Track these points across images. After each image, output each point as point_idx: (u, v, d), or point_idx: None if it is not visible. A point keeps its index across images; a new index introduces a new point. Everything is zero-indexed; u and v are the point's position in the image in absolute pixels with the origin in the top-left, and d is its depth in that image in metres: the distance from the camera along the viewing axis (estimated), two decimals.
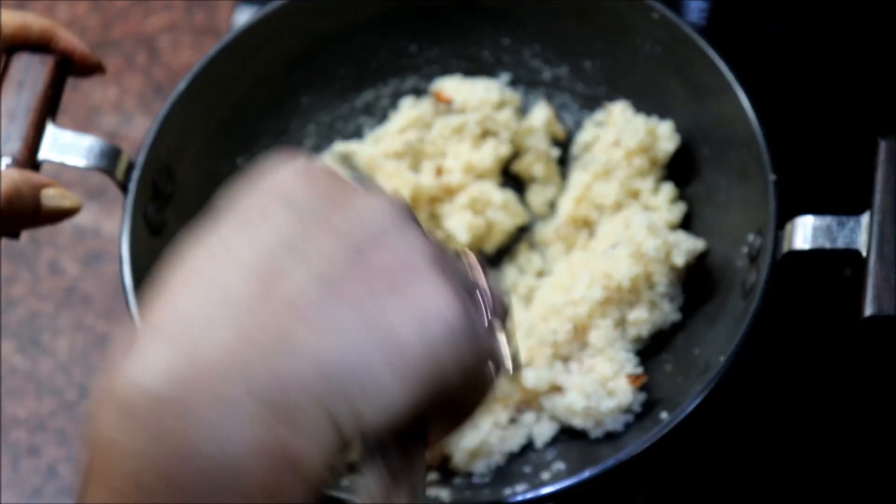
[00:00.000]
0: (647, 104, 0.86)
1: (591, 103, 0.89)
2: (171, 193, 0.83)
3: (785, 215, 0.73)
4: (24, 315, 0.99)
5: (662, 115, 0.85)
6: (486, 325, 0.52)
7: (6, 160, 0.75)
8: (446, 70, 0.90)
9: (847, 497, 0.86)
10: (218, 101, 0.85)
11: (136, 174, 0.79)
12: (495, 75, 0.90)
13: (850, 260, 0.71)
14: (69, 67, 0.79)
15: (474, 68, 0.90)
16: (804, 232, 0.72)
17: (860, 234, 0.70)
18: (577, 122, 0.90)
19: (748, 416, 0.88)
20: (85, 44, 0.80)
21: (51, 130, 0.77)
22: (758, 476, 0.87)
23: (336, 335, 0.48)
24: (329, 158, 0.88)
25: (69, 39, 0.79)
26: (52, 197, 0.75)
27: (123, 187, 0.79)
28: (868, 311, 0.68)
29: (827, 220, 0.71)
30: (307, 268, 0.49)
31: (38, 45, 0.78)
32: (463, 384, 0.50)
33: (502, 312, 0.54)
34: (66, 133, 0.77)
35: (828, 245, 0.71)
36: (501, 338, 0.53)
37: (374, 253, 0.50)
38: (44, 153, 0.77)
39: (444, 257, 0.51)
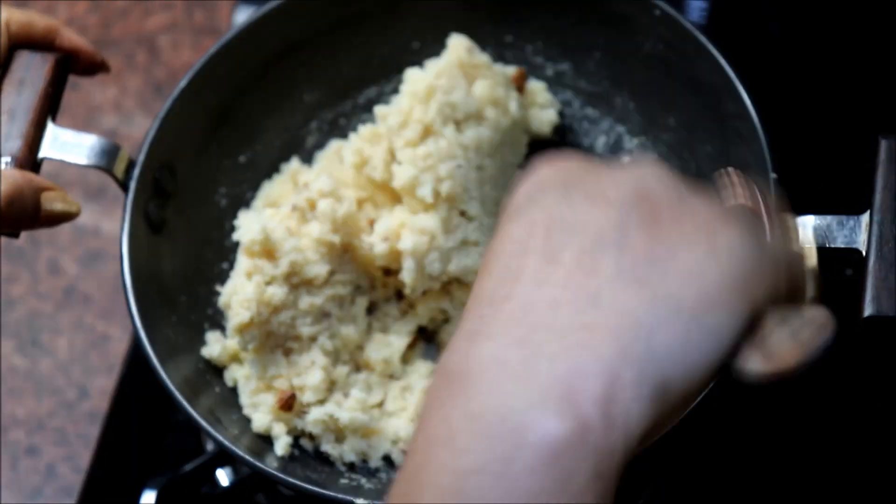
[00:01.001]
0: (648, 100, 0.86)
1: (594, 100, 0.89)
2: (172, 191, 0.83)
3: None
4: (24, 315, 0.99)
5: (665, 111, 0.86)
6: (773, 230, 0.54)
7: (6, 159, 0.75)
8: None
9: (847, 497, 0.86)
10: (220, 99, 0.85)
11: (136, 172, 0.79)
12: None
13: (849, 260, 0.71)
14: (70, 66, 0.79)
15: None
16: (804, 231, 0.72)
17: (860, 233, 0.70)
18: (580, 120, 0.90)
19: (747, 416, 0.88)
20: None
21: (51, 129, 0.77)
22: (757, 476, 0.87)
23: (623, 291, 0.49)
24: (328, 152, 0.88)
25: (73, 38, 0.79)
26: (53, 200, 0.75)
27: (124, 186, 0.79)
28: (867, 311, 0.68)
29: (827, 220, 0.71)
30: (575, 235, 0.51)
31: (42, 42, 0.78)
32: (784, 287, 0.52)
33: (772, 205, 0.56)
34: (66, 132, 0.77)
35: (827, 244, 0.71)
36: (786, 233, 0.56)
37: (650, 210, 0.51)
38: (44, 151, 0.77)
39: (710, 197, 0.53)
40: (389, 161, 0.82)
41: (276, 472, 0.73)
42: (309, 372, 0.79)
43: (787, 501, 0.87)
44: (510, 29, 0.89)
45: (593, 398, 0.47)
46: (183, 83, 0.83)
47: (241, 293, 0.77)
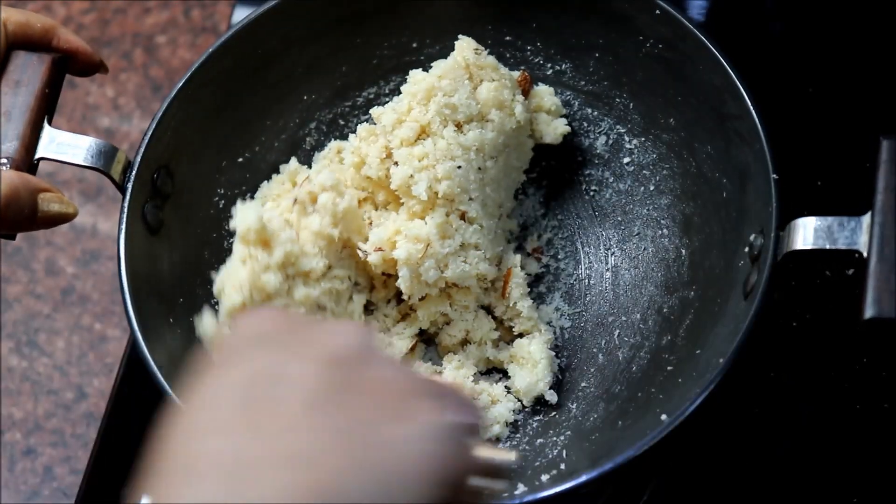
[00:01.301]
0: (648, 101, 0.86)
1: (594, 100, 0.89)
2: (169, 192, 0.83)
3: (787, 216, 0.73)
4: (22, 315, 0.99)
5: (665, 111, 0.85)
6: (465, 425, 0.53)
7: (3, 161, 0.75)
8: None
9: (847, 497, 0.86)
10: (218, 98, 0.85)
11: (133, 173, 0.79)
12: None
13: (851, 260, 0.70)
14: (67, 66, 0.79)
15: None
16: (805, 232, 0.71)
17: (861, 234, 0.70)
18: (580, 120, 0.89)
19: (748, 417, 0.88)
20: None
21: (48, 130, 0.77)
22: (758, 476, 0.87)
23: (335, 451, 0.49)
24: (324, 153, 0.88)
25: (71, 38, 0.79)
26: (50, 201, 0.75)
27: (121, 187, 0.79)
28: (868, 313, 0.68)
29: (828, 221, 0.71)
30: (291, 391, 0.51)
31: (40, 42, 0.78)
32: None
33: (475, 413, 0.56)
34: (63, 133, 0.77)
35: (828, 246, 0.70)
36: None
37: (352, 373, 0.52)
38: (41, 152, 0.76)
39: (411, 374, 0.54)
40: (386, 160, 0.82)
41: None
42: None
43: (786, 501, 0.87)
44: (510, 29, 0.88)
45: None
46: (180, 83, 0.82)
47: (234, 277, 0.77)
